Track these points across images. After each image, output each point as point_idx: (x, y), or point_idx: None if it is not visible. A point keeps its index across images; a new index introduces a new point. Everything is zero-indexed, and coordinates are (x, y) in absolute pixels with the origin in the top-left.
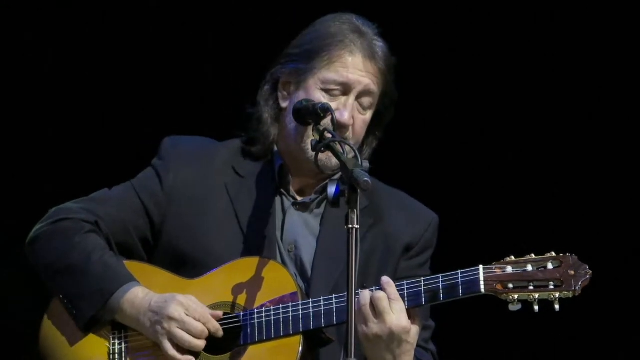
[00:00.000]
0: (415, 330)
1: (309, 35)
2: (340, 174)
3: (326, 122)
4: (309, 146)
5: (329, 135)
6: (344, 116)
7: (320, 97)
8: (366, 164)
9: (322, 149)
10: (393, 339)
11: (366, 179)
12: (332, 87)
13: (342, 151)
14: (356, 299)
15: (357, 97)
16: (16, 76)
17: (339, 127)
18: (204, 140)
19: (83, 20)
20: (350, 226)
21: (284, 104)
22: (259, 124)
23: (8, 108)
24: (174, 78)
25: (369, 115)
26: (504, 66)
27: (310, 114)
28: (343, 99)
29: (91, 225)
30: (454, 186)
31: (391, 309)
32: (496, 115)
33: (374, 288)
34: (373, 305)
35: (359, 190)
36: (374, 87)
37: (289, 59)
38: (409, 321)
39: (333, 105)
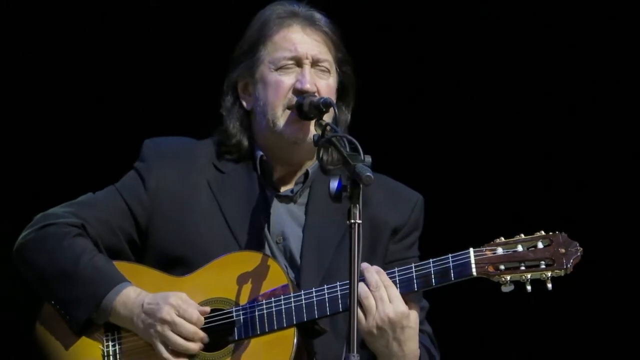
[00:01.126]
0: (414, 314)
1: (247, 33)
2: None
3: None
4: (298, 131)
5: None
6: (305, 84)
7: (276, 78)
8: (368, 159)
9: (325, 143)
10: (395, 326)
11: (368, 174)
12: (283, 62)
13: (344, 145)
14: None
15: (312, 65)
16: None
17: (304, 93)
18: (184, 140)
19: (68, 25)
20: (352, 221)
21: (249, 107)
22: (228, 136)
23: None
24: (157, 82)
25: (332, 80)
26: (495, 52)
27: (312, 108)
28: (298, 69)
29: (78, 229)
30: (440, 169)
31: (386, 297)
32: (484, 100)
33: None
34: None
35: (361, 185)
36: (324, 53)
37: (237, 61)
38: (406, 306)
39: (291, 78)
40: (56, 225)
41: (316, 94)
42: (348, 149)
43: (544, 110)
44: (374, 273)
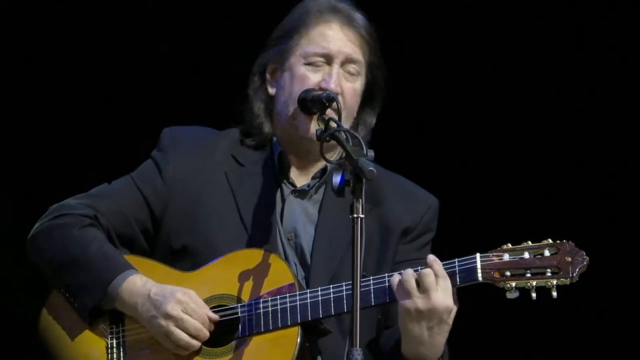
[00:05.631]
0: (454, 312)
1: (287, 19)
2: (338, 159)
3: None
4: (302, 125)
5: (334, 125)
6: (330, 84)
7: (304, 72)
8: (371, 153)
9: (327, 138)
10: (434, 316)
11: (371, 168)
12: (314, 59)
13: (347, 140)
14: (399, 274)
15: (342, 66)
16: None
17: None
18: (204, 130)
19: (79, 16)
20: (355, 215)
21: (272, 91)
22: (251, 117)
23: (6, 106)
24: (171, 70)
25: (358, 84)
26: (517, 56)
27: (315, 103)
28: (327, 68)
29: (90, 220)
30: (450, 173)
31: (437, 286)
32: (494, 104)
33: (419, 268)
34: (418, 280)
35: (364, 180)
36: (358, 54)
37: (271, 44)
38: (453, 301)
39: (318, 75)
40: (69, 215)
41: (340, 96)
42: (351, 144)
43: (560, 115)
44: (430, 261)
